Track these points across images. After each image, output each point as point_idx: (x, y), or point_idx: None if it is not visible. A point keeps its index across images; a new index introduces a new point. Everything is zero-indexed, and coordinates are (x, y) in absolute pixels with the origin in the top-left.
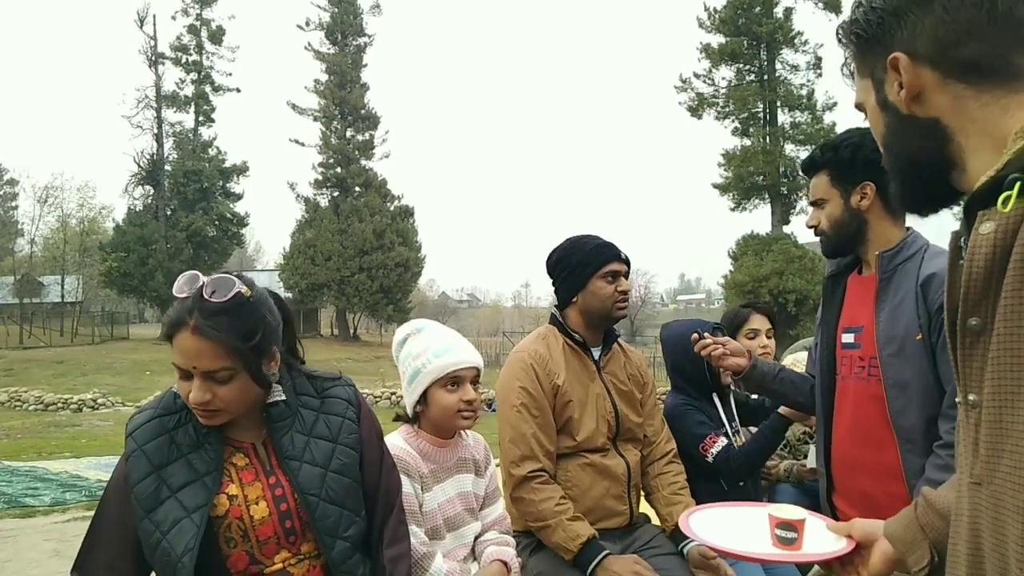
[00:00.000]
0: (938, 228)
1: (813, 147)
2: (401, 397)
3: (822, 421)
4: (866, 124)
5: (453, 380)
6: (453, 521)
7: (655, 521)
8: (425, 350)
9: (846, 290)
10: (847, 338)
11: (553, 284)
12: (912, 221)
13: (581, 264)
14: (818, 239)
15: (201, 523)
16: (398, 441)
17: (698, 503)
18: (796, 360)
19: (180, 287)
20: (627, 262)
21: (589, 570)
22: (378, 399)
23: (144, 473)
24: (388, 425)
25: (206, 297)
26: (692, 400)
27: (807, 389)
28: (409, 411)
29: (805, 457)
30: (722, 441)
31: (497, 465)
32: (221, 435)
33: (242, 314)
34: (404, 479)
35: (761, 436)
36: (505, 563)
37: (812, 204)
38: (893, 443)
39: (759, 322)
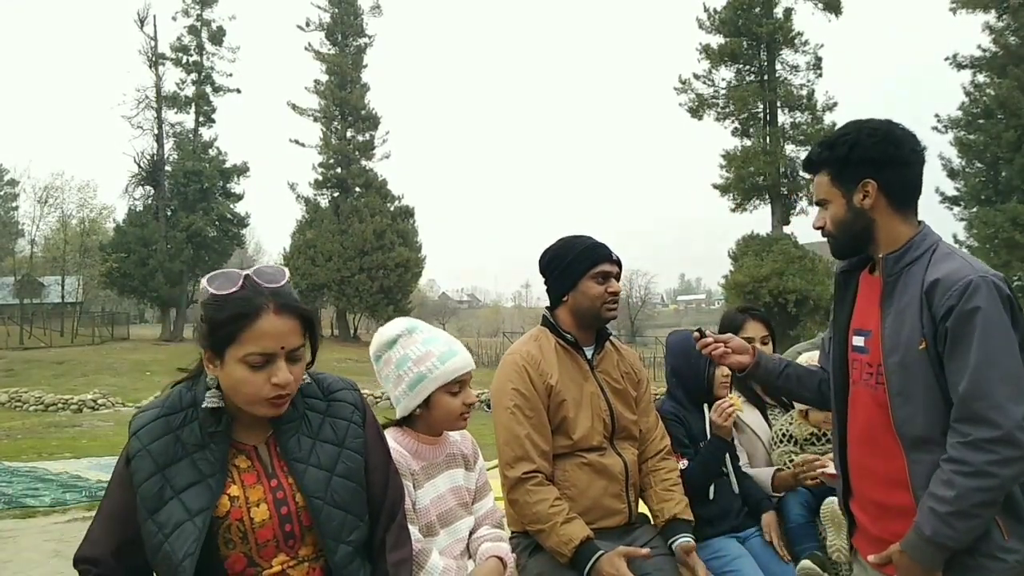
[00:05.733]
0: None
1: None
2: None
3: (837, 424)
4: (864, 117)
5: (457, 384)
6: (446, 516)
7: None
8: (427, 354)
9: (858, 288)
10: (857, 341)
11: (545, 283)
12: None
13: (572, 264)
14: (826, 240)
15: (203, 526)
16: (387, 440)
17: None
18: (811, 358)
19: (223, 284)
20: (618, 263)
21: (585, 572)
22: (378, 399)
23: (148, 473)
24: None
25: (270, 284)
26: (680, 410)
27: (814, 385)
28: (405, 413)
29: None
30: (683, 463)
31: (496, 466)
32: (227, 435)
33: (296, 296)
34: None
35: (700, 459)
36: (501, 559)
37: (816, 204)
38: (900, 452)
39: (754, 329)
